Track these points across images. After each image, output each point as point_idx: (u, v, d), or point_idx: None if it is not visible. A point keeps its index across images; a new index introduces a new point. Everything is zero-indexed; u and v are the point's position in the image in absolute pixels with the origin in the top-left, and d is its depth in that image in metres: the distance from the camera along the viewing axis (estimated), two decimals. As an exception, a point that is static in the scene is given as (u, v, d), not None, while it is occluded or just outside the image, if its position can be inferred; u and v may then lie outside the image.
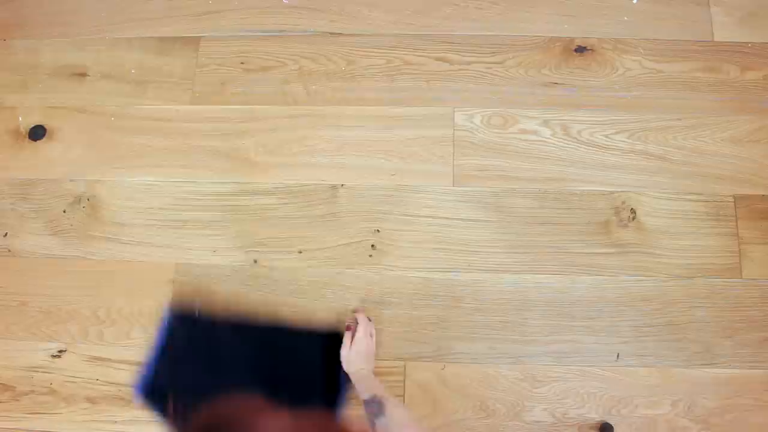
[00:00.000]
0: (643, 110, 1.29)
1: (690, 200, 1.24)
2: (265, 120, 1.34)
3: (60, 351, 1.23)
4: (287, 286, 1.23)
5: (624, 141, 1.27)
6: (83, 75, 1.39)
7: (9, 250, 1.30)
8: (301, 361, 1.14)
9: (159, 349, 1.12)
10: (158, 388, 1.09)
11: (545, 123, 1.30)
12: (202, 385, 1.05)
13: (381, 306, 1.21)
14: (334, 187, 1.28)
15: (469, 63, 1.35)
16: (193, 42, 1.39)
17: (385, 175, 1.28)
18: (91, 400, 1.20)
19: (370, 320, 1.16)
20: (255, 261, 1.25)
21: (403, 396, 1.16)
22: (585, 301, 1.20)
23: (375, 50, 1.36)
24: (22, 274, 1.28)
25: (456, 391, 1.16)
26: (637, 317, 1.19)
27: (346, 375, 1.09)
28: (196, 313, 1.14)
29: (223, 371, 1.09)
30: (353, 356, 1.08)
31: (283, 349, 1.14)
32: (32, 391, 1.22)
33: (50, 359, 1.23)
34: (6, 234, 1.31)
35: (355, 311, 1.18)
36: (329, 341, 1.13)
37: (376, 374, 1.18)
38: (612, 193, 1.25)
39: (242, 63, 1.38)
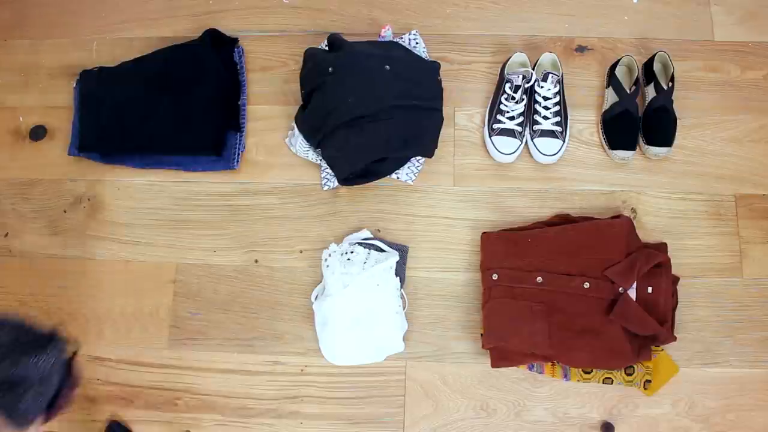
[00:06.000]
0: (644, 110, 1.29)
1: (690, 200, 1.24)
2: (265, 120, 1.34)
3: (60, 351, 1.23)
4: (288, 285, 1.23)
5: (624, 140, 1.27)
6: (83, 75, 1.39)
7: (9, 250, 1.30)
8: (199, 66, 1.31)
9: (78, 109, 1.32)
10: (88, 141, 1.30)
11: (545, 123, 1.30)
12: (124, 123, 1.30)
13: (381, 306, 1.21)
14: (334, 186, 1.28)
15: (469, 63, 1.35)
16: (194, 42, 1.39)
17: (385, 175, 1.28)
18: (91, 400, 1.20)
19: None
20: (255, 261, 1.25)
21: (404, 396, 1.16)
22: (585, 301, 1.20)
23: (375, 50, 1.36)
24: (23, 274, 1.28)
25: (456, 391, 1.16)
26: (638, 317, 1.18)
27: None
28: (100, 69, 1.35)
29: (135, 106, 1.30)
30: None
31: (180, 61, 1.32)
32: (33, 391, 1.22)
33: (51, 359, 1.23)
34: (6, 234, 1.31)
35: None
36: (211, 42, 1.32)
37: (376, 374, 1.18)
38: (612, 192, 1.25)
39: (242, 63, 1.38)
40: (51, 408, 0.81)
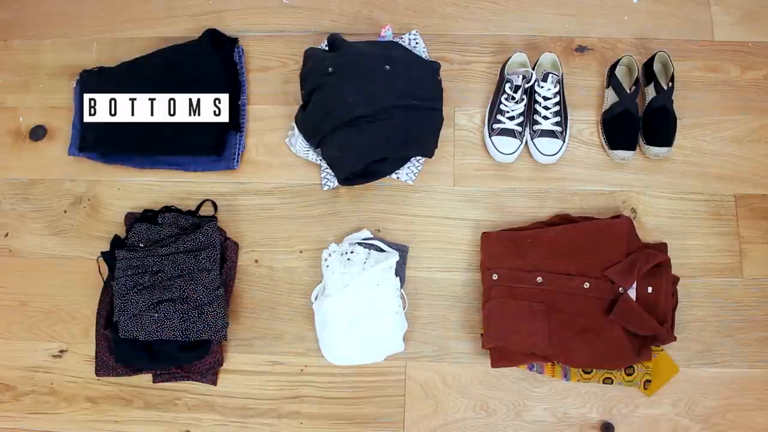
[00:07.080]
0: (644, 110, 1.29)
1: (690, 200, 1.24)
2: (265, 120, 1.34)
3: (61, 351, 1.23)
4: (288, 285, 1.23)
5: (624, 140, 1.27)
6: (83, 75, 1.39)
7: (10, 250, 1.30)
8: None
9: (78, 109, 1.32)
10: (88, 141, 1.30)
11: (545, 122, 1.30)
12: (124, 123, 1.29)
13: (381, 306, 1.21)
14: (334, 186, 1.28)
15: (469, 63, 1.35)
16: (194, 42, 1.39)
17: (385, 175, 1.28)
18: (92, 400, 1.20)
19: None
20: (255, 261, 1.25)
21: (404, 396, 1.16)
22: (585, 301, 1.20)
23: (375, 50, 1.36)
24: (23, 274, 1.28)
25: (456, 391, 1.16)
26: (638, 317, 1.18)
27: None
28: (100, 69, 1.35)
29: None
30: None
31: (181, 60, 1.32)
32: (33, 391, 1.22)
33: (51, 359, 1.23)
34: (7, 234, 1.31)
35: None
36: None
37: (376, 374, 1.18)
38: (612, 192, 1.25)
39: (242, 63, 1.38)
40: None
